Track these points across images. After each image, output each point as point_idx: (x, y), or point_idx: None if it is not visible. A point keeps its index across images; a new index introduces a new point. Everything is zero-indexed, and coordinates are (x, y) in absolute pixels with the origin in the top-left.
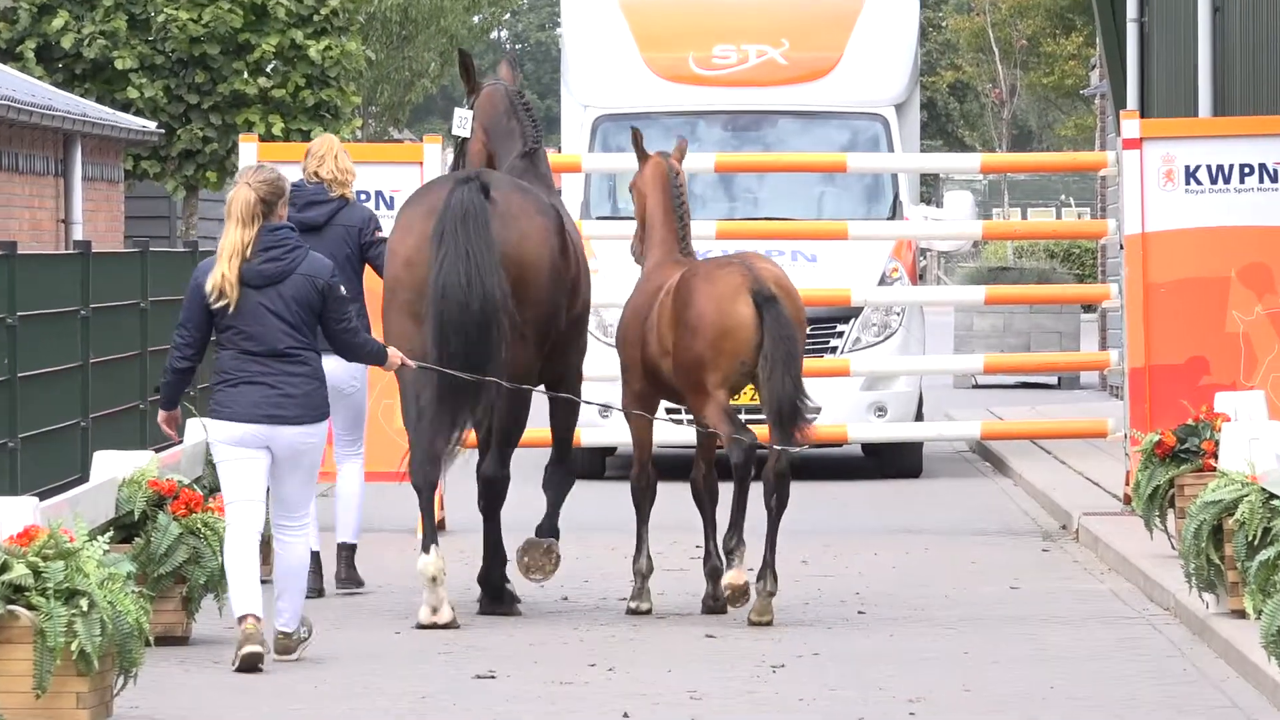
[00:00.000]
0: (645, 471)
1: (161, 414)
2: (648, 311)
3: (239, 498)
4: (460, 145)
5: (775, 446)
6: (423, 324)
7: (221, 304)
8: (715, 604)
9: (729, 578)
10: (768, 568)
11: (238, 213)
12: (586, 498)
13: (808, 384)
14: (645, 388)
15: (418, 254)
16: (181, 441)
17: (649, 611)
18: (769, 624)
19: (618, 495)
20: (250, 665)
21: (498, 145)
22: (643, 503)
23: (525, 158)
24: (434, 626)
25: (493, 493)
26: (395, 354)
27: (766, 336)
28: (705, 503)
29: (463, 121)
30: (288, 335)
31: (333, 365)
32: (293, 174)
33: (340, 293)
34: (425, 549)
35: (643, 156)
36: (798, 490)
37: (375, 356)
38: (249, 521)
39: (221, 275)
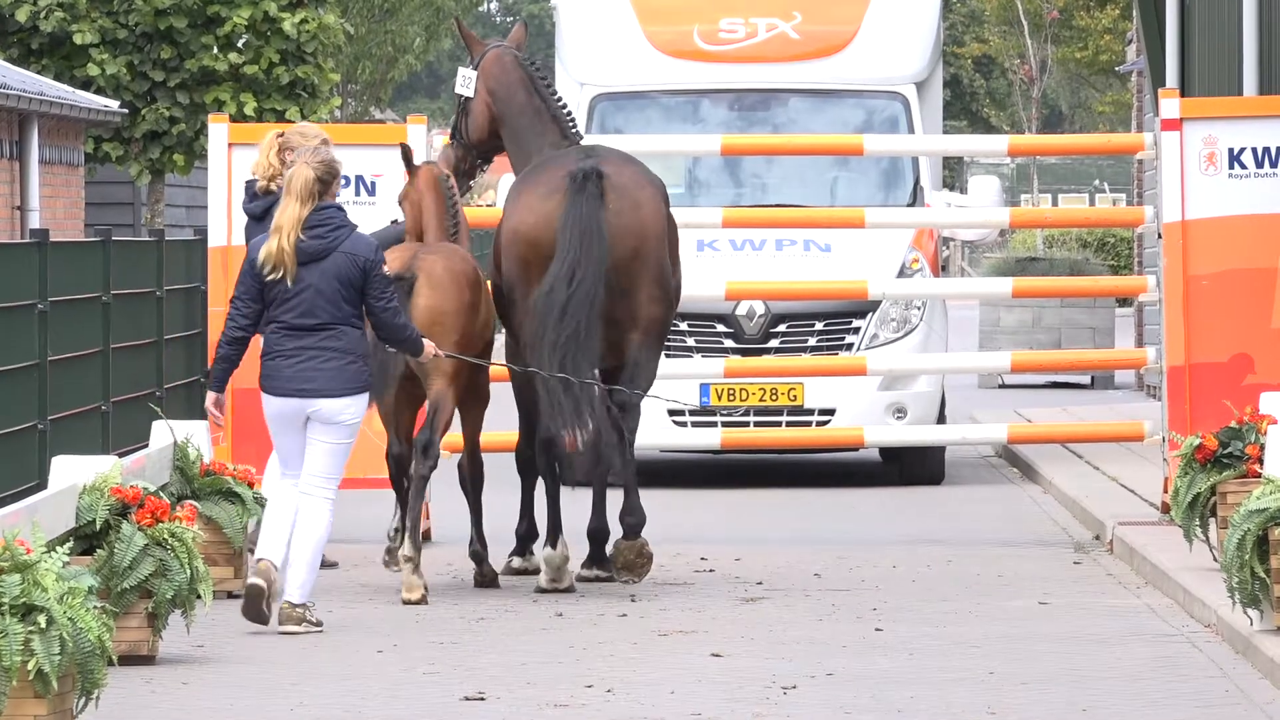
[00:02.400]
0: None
1: (211, 396)
2: None
3: (284, 466)
4: (462, 105)
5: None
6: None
7: (276, 276)
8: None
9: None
10: (412, 533)
11: (298, 190)
12: (578, 507)
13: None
14: None
15: (543, 233)
16: (223, 428)
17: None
18: (420, 601)
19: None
20: (254, 596)
21: (512, 119)
22: None
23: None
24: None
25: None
26: (430, 345)
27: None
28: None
29: (466, 80)
30: (324, 310)
31: None
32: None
33: (382, 271)
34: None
35: (412, 168)
36: (811, 497)
37: (413, 345)
38: (289, 480)
39: (279, 248)
